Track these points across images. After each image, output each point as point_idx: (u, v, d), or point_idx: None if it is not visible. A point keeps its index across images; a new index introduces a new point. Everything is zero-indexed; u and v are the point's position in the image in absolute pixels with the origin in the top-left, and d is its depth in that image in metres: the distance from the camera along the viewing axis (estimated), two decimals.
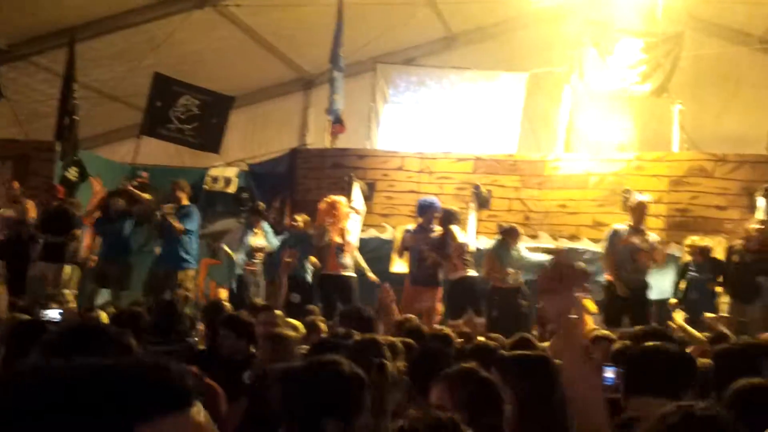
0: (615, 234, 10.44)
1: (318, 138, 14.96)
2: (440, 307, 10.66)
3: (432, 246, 10.61)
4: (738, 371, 4.56)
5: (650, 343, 4.01)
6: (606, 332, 7.14)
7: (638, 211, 10.51)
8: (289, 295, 9.64)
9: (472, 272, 10.76)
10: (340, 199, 11.33)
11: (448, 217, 10.83)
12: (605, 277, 10.51)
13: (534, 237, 11.62)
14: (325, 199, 11.28)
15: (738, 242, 10.69)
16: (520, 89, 14.65)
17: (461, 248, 10.72)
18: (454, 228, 10.77)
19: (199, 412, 1.18)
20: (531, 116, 14.53)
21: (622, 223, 10.59)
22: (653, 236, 10.58)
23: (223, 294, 11.73)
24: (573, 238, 12.01)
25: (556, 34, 13.86)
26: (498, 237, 11.13)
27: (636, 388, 3.65)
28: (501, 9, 13.99)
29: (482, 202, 12.15)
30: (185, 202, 11.47)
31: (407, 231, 11.10)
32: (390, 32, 14.41)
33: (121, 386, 1.11)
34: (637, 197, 10.71)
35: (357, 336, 4.71)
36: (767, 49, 14.58)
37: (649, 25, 13.40)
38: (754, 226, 10.46)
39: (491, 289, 10.76)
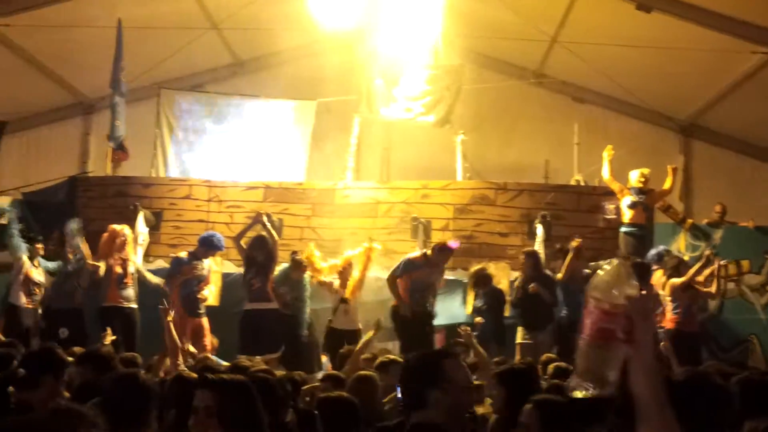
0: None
1: (99, 165, 14.30)
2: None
3: None
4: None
5: None
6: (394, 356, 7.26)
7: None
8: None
9: None
10: (122, 228, 10.87)
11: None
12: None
13: None
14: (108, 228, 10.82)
15: (517, 274, 11.14)
16: (309, 117, 14.68)
17: None
18: None
19: None
20: (320, 145, 14.57)
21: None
22: None
23: None
24: None
25: (344, 63, 14.01)
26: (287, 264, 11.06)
27: None
28: (287, 37, 14.00)
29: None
30: None
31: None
32: (174, 57, 14.07)
33: None
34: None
35: None
36: (542, 83, 15.44)
37: (432, 57, 13.79)
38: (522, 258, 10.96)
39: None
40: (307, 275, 10.89)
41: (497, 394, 5.22)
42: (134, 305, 10.55)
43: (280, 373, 6.61)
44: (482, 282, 10.98)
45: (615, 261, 2.23)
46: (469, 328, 8.26)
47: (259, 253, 10.69)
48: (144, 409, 3.83)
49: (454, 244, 11.01)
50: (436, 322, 10.92)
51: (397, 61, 13.69)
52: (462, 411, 3.37)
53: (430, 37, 13.55)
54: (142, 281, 10.97)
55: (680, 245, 12.41)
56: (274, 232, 11.07)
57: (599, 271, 2.13)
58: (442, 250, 10.75)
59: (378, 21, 13.63)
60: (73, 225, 11.14)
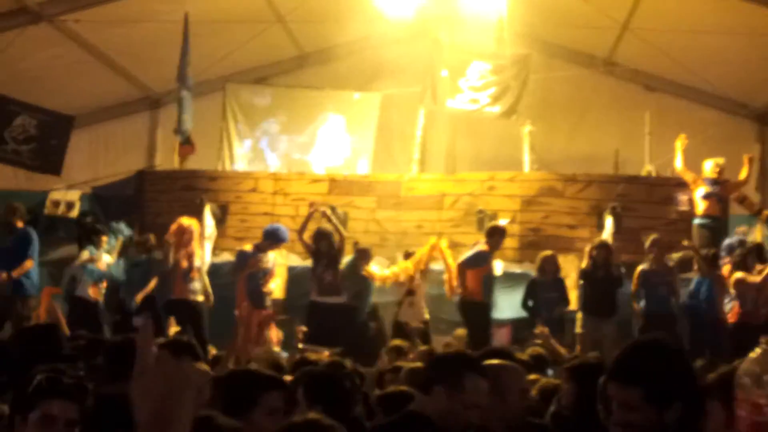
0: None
1: (167, 159, 14.42)
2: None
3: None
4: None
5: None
6: None
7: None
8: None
9: None
10: (190, 222, 10.90)
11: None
12: None
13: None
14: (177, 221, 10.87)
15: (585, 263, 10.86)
16: (374, 109, 14.62)
17: None
18: None
19: None
20: (386, 137, 14.50)
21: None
22: None
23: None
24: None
25: (409, 55, 13.90)
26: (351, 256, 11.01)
27: None
28: (352, 29, 13.91)
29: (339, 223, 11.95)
30: (20, 225, 10.77)
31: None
32: (240, 51, 14.10)
33: None
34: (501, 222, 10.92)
35: None
36: (611, 72, 15.11)
37: (498, 47, 13.59)
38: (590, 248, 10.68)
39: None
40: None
41: (567, 389, 5.09)
42: (201, 298, 10.58)
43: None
44: (553, 268, 10.72)
45: (760, 348, 2.04)
46: (547, 329, 8.10)
47: (323, 244, 10.66)
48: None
49: (504, 222, 10.89)
50: (503, 315, 10.77)
51: (463, 51, 13.53)
52: (457, 421, 3.41)
53: (496, 26, 13.36)
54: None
55: (756, 237, 12.02)
56: (341, 227, 11.03)
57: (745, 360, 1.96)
58: (503, 233, 10.70)
59: (443, 11, 13.51)
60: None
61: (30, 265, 10.52)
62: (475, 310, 10.36)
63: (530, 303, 10.53)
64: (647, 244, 10.59)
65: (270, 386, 3.38)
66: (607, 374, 2.69)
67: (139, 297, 10.70)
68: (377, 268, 10.93)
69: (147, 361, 1.72)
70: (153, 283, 10.77)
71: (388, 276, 10.79)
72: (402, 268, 10.79)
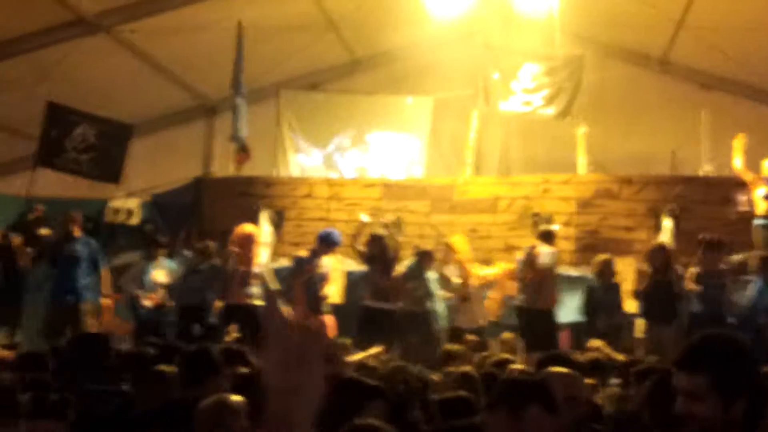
0: None
1: (223, 166, 14.57)
2: None
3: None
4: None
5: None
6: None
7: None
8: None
9: None
10: (251, 228, 11.05)
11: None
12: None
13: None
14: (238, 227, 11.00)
15: (644, 266, 10.74)
16: (427, 113, 14.62)
17: None
18: None
19: None
20: (439, 140, 14.49)
21: None
22: None
23: (124, 329, 11.31)
24: (485, 262, 11.87)
25: (460, 58, 13.88)
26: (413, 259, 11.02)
27: None
28: (403, 33, 13.96)
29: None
30: (78, 234, 11.04)
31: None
32: (293, 57, 14.22)
33: None
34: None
35: None
36: (667, 71, 14.92)
37: (550, 48, 13.52)
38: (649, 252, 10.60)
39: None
40: (431, 274, 10.82)
41: (630, 394, 5.13)
42: (259, 302, 10.69)
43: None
44: (610, 272, 10.65)
45: None
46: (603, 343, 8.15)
47: (377, 249, 10.73)
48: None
49: (556, 227, 11.00)
50: (562, 319, 10.71)
51: (514, 53, 13.48)
52: None
53: (547, 26, 13.28)
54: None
55: None
56: (397, 233, 11.11)
57: None
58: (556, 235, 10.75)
59: (494, 12, 13.48)
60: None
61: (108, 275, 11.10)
62: (545, 315, 10.35)
63: (589, 308, 10.49)
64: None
65: (374, 395, 3.37)
66: (674, 365, 2.62)
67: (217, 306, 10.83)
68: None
69: (273, 330, 1.74)
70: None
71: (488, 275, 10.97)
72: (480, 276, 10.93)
